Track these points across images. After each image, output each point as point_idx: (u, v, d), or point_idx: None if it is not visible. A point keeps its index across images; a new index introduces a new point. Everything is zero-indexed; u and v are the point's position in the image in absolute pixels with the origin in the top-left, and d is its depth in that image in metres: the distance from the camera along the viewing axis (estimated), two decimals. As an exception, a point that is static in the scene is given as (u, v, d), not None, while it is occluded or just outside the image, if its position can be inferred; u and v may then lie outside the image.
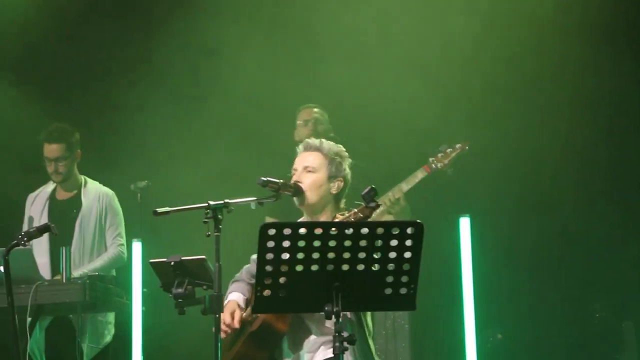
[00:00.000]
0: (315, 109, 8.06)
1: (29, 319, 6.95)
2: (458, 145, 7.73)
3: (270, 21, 8.82)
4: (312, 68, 8.56)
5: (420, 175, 7.66)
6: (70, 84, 8.98)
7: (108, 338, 7.49)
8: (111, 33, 8.92)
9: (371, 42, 8.58)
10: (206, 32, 8.58)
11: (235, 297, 5.29)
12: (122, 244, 7.63)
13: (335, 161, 5.27)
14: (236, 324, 5.17)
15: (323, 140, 5.35)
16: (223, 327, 5.13)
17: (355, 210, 4.89)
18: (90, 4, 9.06)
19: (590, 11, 8.30)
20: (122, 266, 7.65)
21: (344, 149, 5.36)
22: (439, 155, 7.69)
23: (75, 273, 7.26)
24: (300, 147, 5.35)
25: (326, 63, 8.53)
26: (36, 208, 7.78)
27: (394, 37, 8.51)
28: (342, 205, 5.31)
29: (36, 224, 7.34)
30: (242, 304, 5.26)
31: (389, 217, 7.57)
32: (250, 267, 5.36)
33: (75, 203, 7.73)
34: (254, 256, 5.24)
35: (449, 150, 7.70)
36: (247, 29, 8.62)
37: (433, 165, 7.67)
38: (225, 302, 5.26)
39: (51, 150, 7.66)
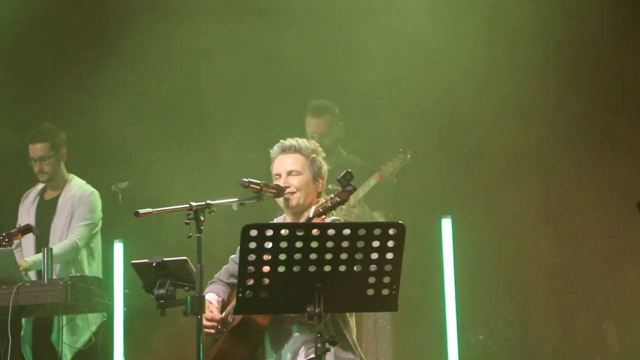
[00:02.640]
0: (325, 102, 8.03)
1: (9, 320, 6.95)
2: (400, 155, 7.80)
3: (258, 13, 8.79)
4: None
5: (372, 182, 7.77)
6: (52, 84, 8.94)
7: (84, 338, 7.45)
8: (93, 32, 8.91)
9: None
10: (188, 32, 8.56)
11: (209, 297, 5.31)
12: (79, 237, 7.56)
13: (316, 159, 5.31)
14: (217, 316, 5.17)
15: (298, 139, 5.37)
16: (206, 323, 5.15)
17: (332, 195, 4.90)
18: (72, 5, 9.03)
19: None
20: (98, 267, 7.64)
21: (316, 144, 5.39)
22: (388, 163, 7.77)
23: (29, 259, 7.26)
24: (276, 149, 5.36)
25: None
26: (25, 207, 7.81)
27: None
28: (322, 199, 5.34)
29: (23, 223, 7.32)
30: (215, 304, 5.28)
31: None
32: (229, 267, 5.38)
33: (56, 203, 7.72)
34: (233, 256, 5.29)
35: (394, 159, 7.79)
36: (234, 24, 8.59)
37: (384, 173, 7.74)
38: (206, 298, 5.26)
39: (35, 149, 7.67)
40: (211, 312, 5.24)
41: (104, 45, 8.84)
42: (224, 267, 5.45)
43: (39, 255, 7.34)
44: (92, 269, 7.63)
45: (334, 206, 4.96)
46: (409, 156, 7.83)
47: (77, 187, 7.72)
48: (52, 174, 7.71)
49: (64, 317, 7.20)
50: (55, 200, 7.74)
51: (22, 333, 7.48)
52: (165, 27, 8.59)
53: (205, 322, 5.15)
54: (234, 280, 5.14)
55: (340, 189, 4.88)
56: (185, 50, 8.67)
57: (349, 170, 4.86)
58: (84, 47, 8.96)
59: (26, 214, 7.74)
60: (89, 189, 7.74)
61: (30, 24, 8.83)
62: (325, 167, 5.36)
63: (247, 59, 8.64)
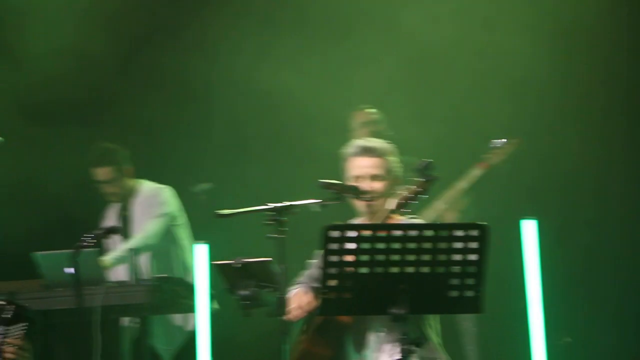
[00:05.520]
0: (370, 109, 7.99)
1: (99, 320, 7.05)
2: (513, 140, 7.64)
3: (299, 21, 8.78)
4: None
5: (477, 172, 7.60)
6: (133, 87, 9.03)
7: (179, 340, 7.52)
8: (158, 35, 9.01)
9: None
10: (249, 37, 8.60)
11: (296, 291, 5.32)
12: (147, 230, 7.58)
13: (394, 162, 5.29)
14: (308, 297, 5.17)
15: (374, 140, 5.34)
16: (297, 307, 5.15)
17: (410, 186, 4.84)
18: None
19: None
20: (189, 269, 7.69)
21: (391, 144, 5.36)
22: (495, 150, 7.61)
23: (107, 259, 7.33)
24: (354, 149, 5.32)
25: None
26: (110, 217, 7.88)
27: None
28: None
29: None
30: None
31: (452, 216, 7.55)
32: (311, 271, 5.36)
33: (132, 209, 7.81)
34: (312, 260, 5.26)
35: (505, 144, 7.61)
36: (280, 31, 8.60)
37: (490, 161, 7.60)
38: (290, 295, 5.27)
39: (100, 174, 7.72)
40: (300, 297, 5.22)
41: (181, 45, 8.92)
42: (306, 272, 5.46)
43: (118, 252, 7.42)
44: (186, 265, 7.68)
45: (415, 197, 4.91)
46: (521, 142, 7.68)
47: (147, 189, 7.79)
48: (122, 193, 7.77)
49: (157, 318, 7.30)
50: (131, 209, 7.83)
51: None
52: (234, 34, 8.63)
53: (292, 305, 5.15)
54: (316, 285, 5.14)
55: (420, 179, 4.81)
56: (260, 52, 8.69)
57: (431, 160, 4.81)
58: (151, 51, 9.05)
59: (113, 220, 7.84)
60: (157, 185, 7.80)
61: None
62: (399, 167, 5.33)
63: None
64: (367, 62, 8.54)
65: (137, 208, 7.76)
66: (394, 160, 5.30)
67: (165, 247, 7.69)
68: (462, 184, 7.55)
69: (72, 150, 8.45)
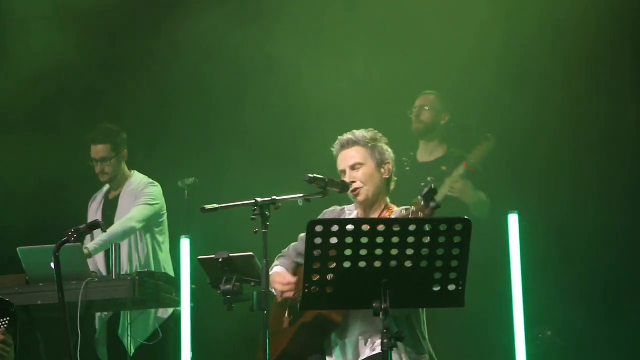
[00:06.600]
0: (430, 93, 7.93)
1: (103, 314, 7.05)
2: (485, 142, 7.67)
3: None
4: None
5: (460, 171, 7.65)
6: (118, 81, 9.01)
7: (148, 332, 7.51)
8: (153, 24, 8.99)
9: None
10: (257, 33, 8.57)
11: (277, 269, 5.36)
12: (134, 215, 7.57)
13: (376, 146, 5.30)
14: (291, 279, 5.23)
15: (354, 131, 5.36)
16: (284, 288, 5.21)
17: (414, 208, 4.85)
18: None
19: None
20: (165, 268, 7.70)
21: (375, 131, 5.37)
22: (474, 151, 7.66)
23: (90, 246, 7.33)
24: (336, 146, 5.36)
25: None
26: (93, 209, 7.89)
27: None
28: (392, 186, 5.34)
29: None
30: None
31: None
32: (298, 245, 5.38)
33: (118, 198, 7.80)
34: (303, 235, 5.24)
35: (479, 146, 7.65)
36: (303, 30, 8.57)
37: (471, 161, 7.65)
38: (271, 272, 5.30)
39: (97, 151, 7.72)
40: (284, 277, 5.27)
41: (167, 39, 8.90)
42: (293, 244, 5.46)
43: (98, 240, 7.40)
44: (158, 261, 7.67)
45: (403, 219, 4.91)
46: (491, 142, 7.67)
47: (137, 181, 7.78)
48: (113, 175, 7.76)
49: (130, 313, 7.29)
50: (117, 198, 7.81)
51: (96, 335, 7.58)
52: (227, 26, 8.60)
53: (282, 287, 5.21)
54: (301, 261, 5.15)
55: (423, 205, 4.83)
56: (257, 49, 8.67)
57: (433, 187, 4.81)
58: (147, 40, 9.02)
59: (94, 215, 7.82)
60: (149, 180, 7.79)
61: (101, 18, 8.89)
62: (389, 152, 5.34)
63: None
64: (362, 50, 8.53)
65: (125, 198, 7.74)
66: (376, 146, 5.30)
67: (144, 241, 7.68)
68: (446, 186, 7.59)
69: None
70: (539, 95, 8.19)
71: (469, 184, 7.63)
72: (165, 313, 7.55)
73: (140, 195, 7.67)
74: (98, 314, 7.51)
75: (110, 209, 7.80)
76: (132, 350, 7.41)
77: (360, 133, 5.33)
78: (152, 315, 7.51)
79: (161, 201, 7.74)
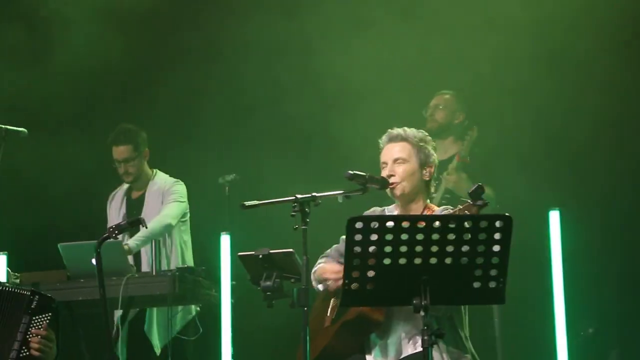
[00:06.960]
0: (447, 92, 7.98)
1: (120, 311, 7.06)
2: (470, 132, 7.74)
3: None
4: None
5: (454, 164, 7.72)
6: (158, 79, 9.04)
7: (176, 328, 7.52)
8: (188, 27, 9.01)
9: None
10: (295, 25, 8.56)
11: (324, 264, 5.36)
12: (168, 213, 7.59)
13: (423, 148, 5.30)
14: (339, 267, 5.16)
15: (406, 128, 5.36)
16: (334, 276, 5.18)
17: (461, 207, 4.84)
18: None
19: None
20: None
21: (427, 134, 5.36)
22: (463, 143, 7.74)
23: (130, 242, 7.36)
24: (384, 139, 5.37)
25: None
26: (115, 207, 7.90)
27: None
28: (432, 190, 5.37)
29: (113, 223, 7.41)
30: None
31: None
32: (340, 246, 5.38)
33: (143, 201, 7.82)
34: (344, 237, 5.24)
35: (466, 137, 7.73)
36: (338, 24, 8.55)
37: (462, 153, 7.72)
38: (316, 268, 5.33)
39: (119, 152, 7.74)
40: (333, 266, 5.26)
41: (205, 37, 8.92)
42: (335, 246, 5.47)
43: (137, 236, 7.43)
44: (184, 259, 7.69)
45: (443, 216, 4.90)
46: (474, 134, 7.73)
47: (162, 180, 7.80)
48: (137, 175, 7.78)
49: (169, 308, 7.32)
50: (142, 197, 7.83)
51: (114, 332, 7.61)
52: (273, 24, 8.60)
53: (335, 276, 5.17)
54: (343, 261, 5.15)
55: (471, 202, 4.81)
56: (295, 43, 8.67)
57: (481, 184, 4.80)
58: (185, 37, 9.05)
59: (116, 215, 7.84)
60: (174, 179, 7.81)
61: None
62: (434, 157, 5.34)
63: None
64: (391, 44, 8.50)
65: (151, 197, 7.76)
66: (423, 147, 5.31)
67: (172, 239, 7.71)
68: (442, 181, 7.64)
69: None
70: (577, 85, 8.13)
71: (464, 176, 7.66)
72: (188, 313, 7.57)
73: (169, 194, 7.69)
74: (116, 311, 7.51)
75: (134, 208, 7.81)
76: (160, 348, 7.45)
77: (411, 131, 5.35)
78: (178, 314, 7.54)
79: (186, 199, 7.77)
